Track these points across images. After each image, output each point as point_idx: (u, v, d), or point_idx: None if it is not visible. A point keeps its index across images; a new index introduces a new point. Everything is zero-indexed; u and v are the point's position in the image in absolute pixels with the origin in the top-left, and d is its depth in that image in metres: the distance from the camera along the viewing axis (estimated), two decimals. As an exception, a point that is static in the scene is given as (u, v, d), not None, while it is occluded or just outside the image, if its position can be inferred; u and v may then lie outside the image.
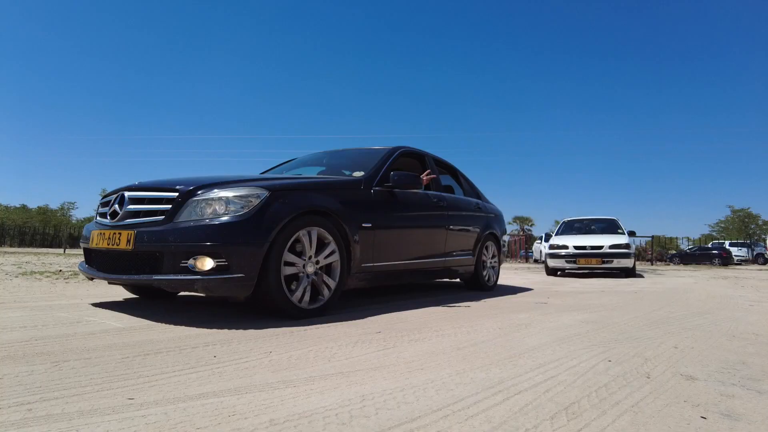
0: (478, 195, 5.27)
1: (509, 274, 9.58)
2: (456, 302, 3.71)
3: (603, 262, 8.72)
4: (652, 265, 19.44)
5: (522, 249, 26.88)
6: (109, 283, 2.84)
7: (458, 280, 4.83)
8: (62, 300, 3.29)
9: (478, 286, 4.84)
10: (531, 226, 48.93)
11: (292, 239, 2.59)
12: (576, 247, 9.05)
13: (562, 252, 9.12)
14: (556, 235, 10.41)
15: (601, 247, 8.85)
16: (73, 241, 32.71)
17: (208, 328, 2.34)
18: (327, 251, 2.81)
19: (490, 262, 5.06)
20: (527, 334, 2.33)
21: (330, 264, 2.85)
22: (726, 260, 22.12)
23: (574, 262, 8.92)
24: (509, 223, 49.59)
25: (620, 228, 10.01)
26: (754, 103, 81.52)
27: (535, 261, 22.59)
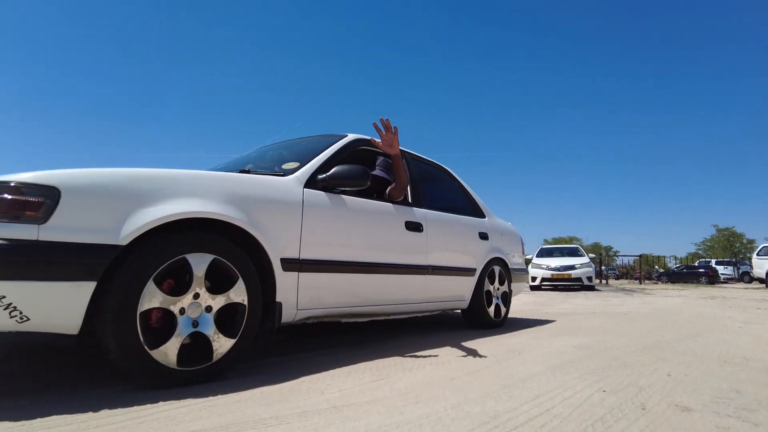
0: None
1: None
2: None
3: None
4: (640, 284, 19.56)
5: None
6: None
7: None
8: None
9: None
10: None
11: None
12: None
13: None
14: None
15: None
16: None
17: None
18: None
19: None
20: (521, 362, 2.32)
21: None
22: (713, 279, 22.35)
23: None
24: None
25: None
26: (738, 124, 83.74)
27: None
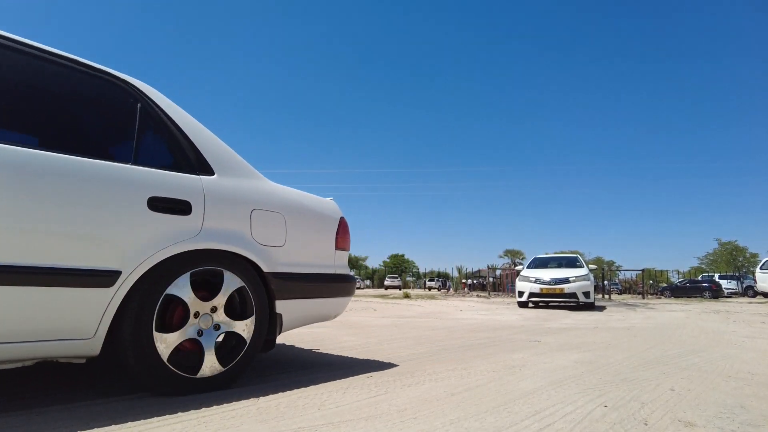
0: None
1: (501, 309, 9.51)
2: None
3: None
4: (643, 298, 19.41)
5: (512, 283, 26.75)
6: None
7: None
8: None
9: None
10: (522, 259, 48.83)
11: None
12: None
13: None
14: None
15: None
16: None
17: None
18: None
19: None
20: (521, 377, 2.29)
21: None
22: (716, 293, 22.17)
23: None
24: (500, 257, 49.04)
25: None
26: (742, 136, 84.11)
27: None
